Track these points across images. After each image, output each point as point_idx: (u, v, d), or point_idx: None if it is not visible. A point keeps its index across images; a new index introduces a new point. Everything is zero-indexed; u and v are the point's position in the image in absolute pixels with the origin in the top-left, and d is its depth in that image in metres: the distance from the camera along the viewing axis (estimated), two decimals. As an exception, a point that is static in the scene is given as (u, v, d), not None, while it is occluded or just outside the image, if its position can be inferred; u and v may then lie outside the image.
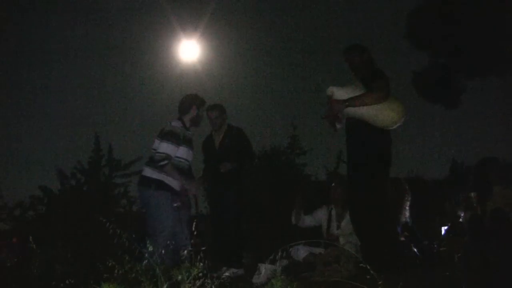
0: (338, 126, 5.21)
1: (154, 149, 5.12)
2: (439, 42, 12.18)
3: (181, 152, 5.14)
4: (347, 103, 4.91)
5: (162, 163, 4.98)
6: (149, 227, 4.90)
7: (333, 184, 6.37)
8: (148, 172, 5.12)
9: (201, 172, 6.33)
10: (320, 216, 6.22)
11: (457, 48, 11.95)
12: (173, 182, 5.05)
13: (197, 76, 10.14)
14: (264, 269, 4.89)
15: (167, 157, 5.00)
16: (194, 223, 3.88)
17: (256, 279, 4.87)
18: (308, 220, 6.24)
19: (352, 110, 4.96)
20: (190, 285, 3.09)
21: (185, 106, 5.30)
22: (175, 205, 5.03)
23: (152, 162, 5.10)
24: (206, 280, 3.16)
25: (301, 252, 5.64)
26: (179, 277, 3.10)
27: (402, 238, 5.72)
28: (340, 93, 5.01)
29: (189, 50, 9.75)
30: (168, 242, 3.97)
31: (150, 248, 3.40)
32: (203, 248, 3.48)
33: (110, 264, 3.21)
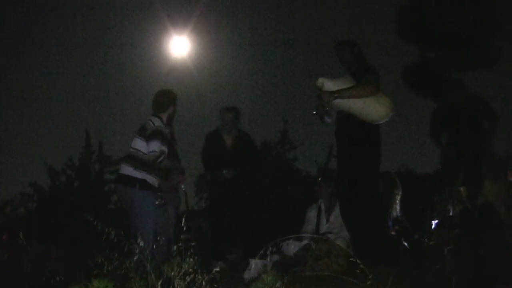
0: (328, 120, 5.21)
1: (135, 148, 5.03)
2: (429, 36, 12.21)
3: None
4: (336, 95, 4.91)
5: (159, 159, 4.92)
6: (132, 227, 4.81)
7: (319, 179, 6.42)
8: (129, 171, 5.00)
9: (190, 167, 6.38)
10: (311, 217, 6.24)
11: (447, 42, 11.99)
12: (154, 181, 5.00)
13: (187, 72, 10.10)
14: (255, 264, 4.88)
15: (161, 153, 4.93)
16: (183, 219, 3.87)
17: (247, 275, 4.86)
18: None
19: (341, 103, 4.96)
20: (180, 280, 3.08)
21: (163, 104, 5.18)
22: (157, 203, 5.04)
23: (133, 160, 5.00)
24: (196, 276, 3.15)
25: (292, 247, 5.64)
26: (171, 273, 3.09)
27: (393, 232, 5.75)
28: (330, 85, 5.01)
29: (180, 46, 9.69)
30: (158, 238, 3.96)
31: (141, 244, 3.38)
32: (193, 244, 3.46)
33: (99, 261, 3.20)
